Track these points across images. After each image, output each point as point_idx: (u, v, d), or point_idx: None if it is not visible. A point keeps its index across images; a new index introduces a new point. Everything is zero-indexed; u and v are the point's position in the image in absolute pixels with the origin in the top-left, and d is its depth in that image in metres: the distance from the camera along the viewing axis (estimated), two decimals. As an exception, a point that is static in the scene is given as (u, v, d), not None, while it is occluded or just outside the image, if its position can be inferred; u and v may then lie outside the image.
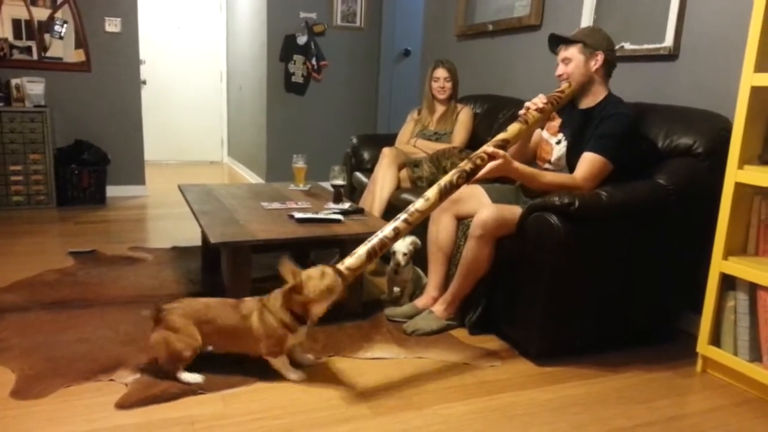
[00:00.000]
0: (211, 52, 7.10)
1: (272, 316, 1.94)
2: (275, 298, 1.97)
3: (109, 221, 4.14)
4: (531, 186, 2.37)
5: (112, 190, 4.83)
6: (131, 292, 2.74)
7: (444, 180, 2.10)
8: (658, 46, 2.71)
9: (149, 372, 1.97)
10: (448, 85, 3.54)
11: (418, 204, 2.04)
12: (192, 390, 1.89)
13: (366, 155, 3.77)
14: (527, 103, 2.31)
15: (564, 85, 2.36)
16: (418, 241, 2.64)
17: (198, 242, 3.31)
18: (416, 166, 3.33)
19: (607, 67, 2.36)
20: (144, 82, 6.08)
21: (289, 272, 1.88)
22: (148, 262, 3.21)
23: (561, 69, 2.37)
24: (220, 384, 1.94)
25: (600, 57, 2.31)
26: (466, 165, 2.15)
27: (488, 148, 2.18)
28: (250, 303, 2.00)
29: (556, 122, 2.49)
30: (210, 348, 2.02)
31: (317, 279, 1.88)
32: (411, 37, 5.65)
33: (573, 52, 2.33)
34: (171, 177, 6.03)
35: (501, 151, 2.16)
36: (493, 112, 3.52)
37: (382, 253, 1.99)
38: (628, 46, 2.85)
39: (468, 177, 2.14)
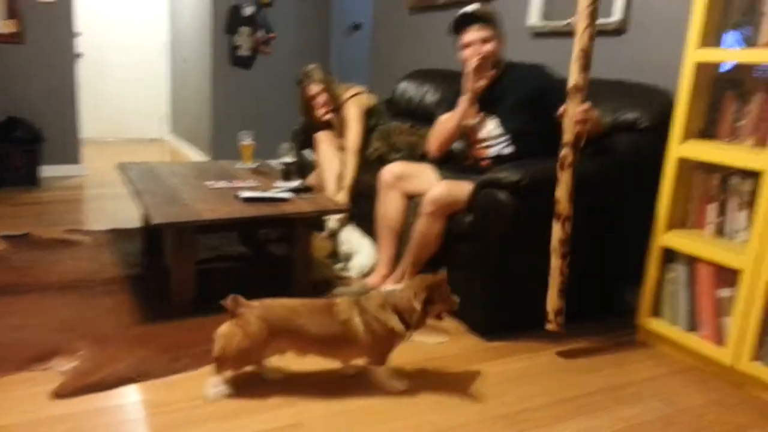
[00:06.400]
0: (152, 22, 6.78)
1: (376, 321, 1.77)
2: (375, 298, 1.82)
3: (43, 203, 3.93)
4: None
5: (46, 170, 4.57)
6: (68, 276, 2.61)
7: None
8: (606, 21, 2.72)
9: (87, 360, 1.88)
10: (324, 98, 3.17)
11: None
12: (132, 377, 1.82)
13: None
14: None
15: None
16: None
17: (137, 223, 3.18)
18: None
19: None
20: (80, 55, 5.76)
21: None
22: (85, 244, 3.06)
23: (483, 48, 2.38)
24: (163, 370, 1.87)
25: (505, 37, 2.46)
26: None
27: None
28: (344, 306, 1.79)
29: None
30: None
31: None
32: (361, 9, 5.54)
33: (492, 33, 2.40)
34: (109, 155, 5.77)
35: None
36: (446, 87, 3.48)
37: None
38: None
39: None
